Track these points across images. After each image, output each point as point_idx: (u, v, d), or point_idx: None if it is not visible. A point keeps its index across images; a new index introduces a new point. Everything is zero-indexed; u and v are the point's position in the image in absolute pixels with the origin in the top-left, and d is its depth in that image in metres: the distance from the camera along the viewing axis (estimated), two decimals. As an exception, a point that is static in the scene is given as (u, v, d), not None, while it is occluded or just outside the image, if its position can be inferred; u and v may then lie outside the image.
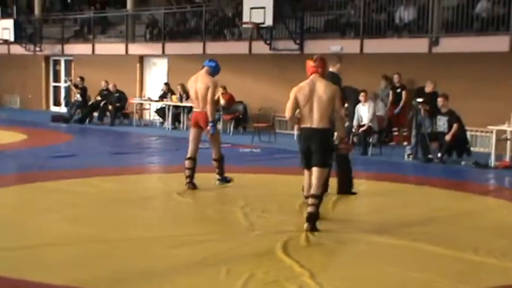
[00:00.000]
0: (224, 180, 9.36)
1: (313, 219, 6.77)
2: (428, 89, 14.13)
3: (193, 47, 20.11)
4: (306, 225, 6.74)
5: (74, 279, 5.07)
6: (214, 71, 9.23)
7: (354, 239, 6.67)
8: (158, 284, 5.06)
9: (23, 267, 5.40)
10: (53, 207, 7.84)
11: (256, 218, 7.38)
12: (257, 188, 9.40)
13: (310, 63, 7.08)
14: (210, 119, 8.95)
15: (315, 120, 6.86)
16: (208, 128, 9.02)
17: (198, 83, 9.13)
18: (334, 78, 7.75)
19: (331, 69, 8.09)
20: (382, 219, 7.31)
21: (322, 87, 6.89)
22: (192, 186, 9.09)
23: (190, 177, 9.15)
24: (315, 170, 6.88)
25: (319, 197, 6.85)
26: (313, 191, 6.82)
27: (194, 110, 9.30)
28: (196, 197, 8.60)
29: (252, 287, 4.97)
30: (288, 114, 7.00)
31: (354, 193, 8.72)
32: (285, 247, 6.05)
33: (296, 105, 6.91)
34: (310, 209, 6.80)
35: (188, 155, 9.25)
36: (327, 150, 6.96)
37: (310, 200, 6.81)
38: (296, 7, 17.91)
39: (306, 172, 7.07)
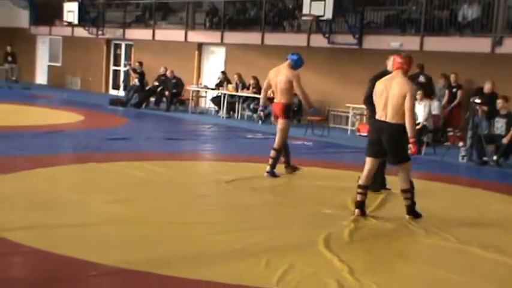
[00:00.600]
0: (272, 174, 9.35)
1: (411, 210, 7.23)
2: (487, 89, 13.81)
3: (252, 37, 20.17)
4: (407, 217, 7.17)
5: (119, 260, 5.19)
6: (296, 65, 9.43)
7: (398, 238, 6.63)
8: (199, 270, 5.12)
9: (72, 244, 5.57)
10: (104, 187, 8.03)
11: (301, 210, 7.39)
12: (304, 180, 9.38)
13: (396, 59, 7.20)
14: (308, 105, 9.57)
15: (388, 114, 7.03)
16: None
17: (279, 75, 9.39)
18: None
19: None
20: (429, 219, 7.20)
21: (397, 85, 7.02)
22: (271, 174, 9.32)
23: (271, 166, 9.37)
24: (399, 167, 7.21)
25: (408, 191, 7.21)
26: (402, 186, 7.22)
27: (274, 101, 9.65)
28: (243, 186, 8.64)
29: (290, 278, 5.00)
30: (365, 105, 7.53)
31: (388, 189, 8.60)
32: (327, 241, 6.05)
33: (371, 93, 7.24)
34: (406, 203, 7.23)
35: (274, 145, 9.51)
36: (400, 146, 7.11)
37: (403, 195, 7.26)
38: (357, 1, 17.74)
39: (367, 161, 7.25)
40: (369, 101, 7.79)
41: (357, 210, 7.21)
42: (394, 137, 7.03)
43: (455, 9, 15.90)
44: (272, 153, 9.43)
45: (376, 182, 8.27)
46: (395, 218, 7.25)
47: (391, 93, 6.99)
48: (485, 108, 12.91)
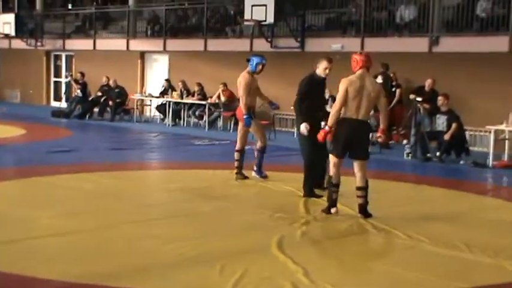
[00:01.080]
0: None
1: (364, 209, 7.30)
2: (427, 86, 14.12)
3: (195, 44, 20.13)
4: (360, 215, 7.26)
5: (67, 274, 5.07)
6: (252, 69, 9.46)
7: (350, 237, 6.69)
8: (151, 280, 5.06)
9: (17, 260, 5.41)
10: (49, 201, 7.86)
11: (252, 215, 7.40)
12: (253, 184, 9.40)
13: (360, 58, 7.30)
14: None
15: (361, 113, 7.18)
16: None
17: None
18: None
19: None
20: (378, 217, 7.30)
21: (370, 84, 7.26)
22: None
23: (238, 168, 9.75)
24: (359, 163, 7.29)
25: (365, 188, 7.30)
26: (360, 183, 7.28)
27: None
28: (192, 193, 8.60)
29: (245, 283, 4.97)
30: (338, 106, 7.20)
31: (320, 196, 8.29)
32: (280, 244, 6.05)
33: (346, 98, 7.15)
34: (360, 201, 7.31)
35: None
36: (368, 143, 7.57)
37: (359, 193, 7.31)
38: (297, 5, 17.91)
39: (337, 161, 7.32)
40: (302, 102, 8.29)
41: (334, 209, 7.37)
42: (367, 134, 7.42)
43: (393, 10, 16.23)
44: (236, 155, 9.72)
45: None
46: (347, 217, 7.33)
47: (365, 93, 7.15)
48: (426, 106, 13.21)
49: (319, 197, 8.21)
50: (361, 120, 7.23)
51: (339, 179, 7.35)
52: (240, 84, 9.42)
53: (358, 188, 7.34)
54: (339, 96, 7.17)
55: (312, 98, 8.38)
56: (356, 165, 7.33)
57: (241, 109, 9.45)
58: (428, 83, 14.09)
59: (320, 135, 7.33)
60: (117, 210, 7.56)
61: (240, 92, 9.45)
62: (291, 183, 9.13)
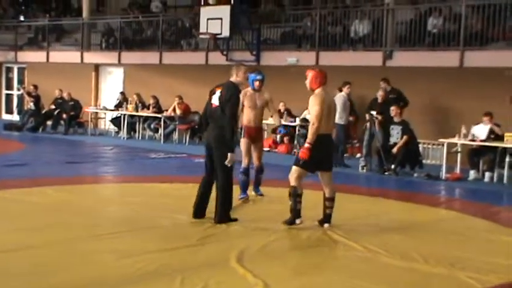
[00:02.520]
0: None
1: (330, 219, 7.54)
2: (380, 98, 14.03)
3: (150, 57, 20.06)
4: (326, 225, 7.47)
5: (23, 289, 4.99)
6: (250, 86, 9.09)
7: (308, 249, 6.73)
8: (110, 295, 5.01)
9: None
10: (2, 216, 7.70)
11: (211, 228, 7.37)
12: (212, 198, 9.36)
13: (322, 74, 7.41)
14: None
15: (330, 128, 7.50)
16: None
17: None
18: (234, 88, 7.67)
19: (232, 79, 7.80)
20: (335, 230, 7.37)
21: (331, 98, 7.67)
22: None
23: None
24: (327, 174, 7.49)
25: (334, 199, 7.54)
26: (332, 194, 7.51)
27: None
28: (150, 207, 8.53)
29: (205, 297, 4.96)
30: (318, 123, 7.16)
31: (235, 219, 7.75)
32: (240, 257, 6.06)
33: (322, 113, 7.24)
34: (329, 211, 7.52)
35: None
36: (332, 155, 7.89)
37: (328, 203, 7.49)
38: (253, 19, 18.03)
39: (303, 174, 7.38)
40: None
41: (299, 220, 7.42)
42: (333, 147, 7.70)
43: (348, 25, 16.48)
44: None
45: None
46: (306, 229, 7.37)
47: (332, 108, 7.44)
48: (379, 117, 13.31)
49: (235, 220, 7.71)
50: (330, 135, 7.53)
51: (301, 188, 7.41)
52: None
53: (329, 199, 7.50)
54: (318, 112, 7.15)
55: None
56: (325, 177, 7.47)
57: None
58: (379, 95, 14.09)
59: (304, 154, 7.21)
60: (73, 224, 7.44)
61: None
62: (253, 195, 9.17)
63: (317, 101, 7.21)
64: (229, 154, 7.30)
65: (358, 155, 14.52)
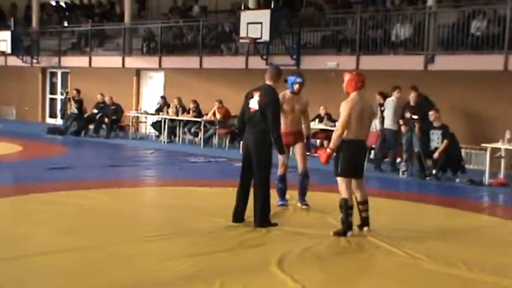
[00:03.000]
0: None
1: (369, 222, 7.49)
2: (412, 101, 13.57)
3: (190, 61, 20.18)
4: (365, 228, 7.44)
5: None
6: (289, 88, 8.84)
7: (348, 254, 6.68)
8: (151, 297, 5.05)
9: (13, 278, 5.40)
10: (46, 218, 7.82)
11: (251, 232, 7.37)
12: (252, 202, 9.36)
13: (359, 78, 7.33)
14: None
15: (363, 134, 7.32)
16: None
17: None
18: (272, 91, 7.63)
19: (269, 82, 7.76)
20: (375, 235, 7.30)
21: (368, 103, 7.44)
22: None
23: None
24: (359, 181, 7.46)
25: (367, 202, 7.52)
26: (365, 197, 7.48)
27: None
28: (191, 210, 8.58)
29: (245, 301, 4.96)
30: (341, 131, 7.17)
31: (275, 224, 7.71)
32: (280, 261, 6.05)
33: (349, 120, 7.16)
34: (365, 214, 7.48)
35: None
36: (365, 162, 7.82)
37: (363, 207, 7.47)
38: (293, 23, 18.01)
39: (347, 182, 7.31)
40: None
41: (350, 232, 7.26)
42: (366, 153, 7.61)
43: (389, 28, 16.33)
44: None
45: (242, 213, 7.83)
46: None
47: (365, 113, 7.27)
48: (419, 123, 13.09)
49: (275, 225, 7.66)
50: (364, 140, 7.40)
51: (352, 200, 7.33)
52: None
53: (362, 203, 7.46)
54: (344, 120, 7.14)
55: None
56: (356, 183, 7.42)
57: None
58: (412, 97, 13.71)
59: (323, 158, 7.23)
60: (114, 227, 7.53)
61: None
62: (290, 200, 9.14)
63: (345, 108, 7.16)
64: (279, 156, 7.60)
65: (398, 159, 14.32)
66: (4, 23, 25.96)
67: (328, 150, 7.24)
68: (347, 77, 7.39)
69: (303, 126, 9.00)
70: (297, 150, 8.97)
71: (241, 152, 7.98)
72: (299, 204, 9.02)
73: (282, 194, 9.06)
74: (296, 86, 8.80)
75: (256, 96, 7.57)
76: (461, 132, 13.27)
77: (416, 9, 16.51)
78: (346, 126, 7.14)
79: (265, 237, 7.18)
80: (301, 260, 6.26)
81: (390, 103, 13.48)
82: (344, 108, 7.18)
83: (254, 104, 7.55)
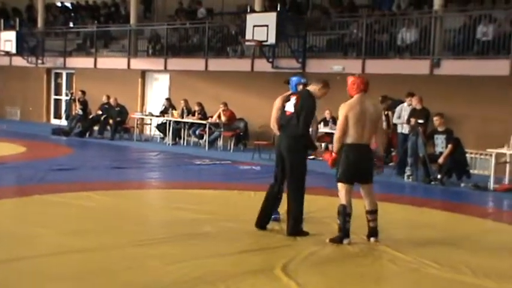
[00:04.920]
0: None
1: (376, 232, 7.26)
2: (417, 105, 13.48)
3: (196, 63, 20.21)
4: (372, 239, 7.23)
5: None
6: (292, 89, 8.48)
7: (352, 260, 6.65)
8: (156, 300, 5.04)
9: (20, 279, 5.40)
10: (50, 220, 7.83)
11: (258, 236, 7.36)
12: (257, 205, 9.35)
13: (361, 80, 7.24)
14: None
15: (365, 137, 7.12)
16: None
17: None
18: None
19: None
20: (381, 240, 7.28)
21: (371, 106, 7.19)
22: None
23: None
24: (366, 186, 7.25)
25: (376, 211, 7.27)
26: (371, 207, 7.24)
27: None
28: (196, 213, 8.57)
29: (249, 305, 4.95)
30: (339, 134, 7.10)
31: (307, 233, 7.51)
32: (285, 266, 6.04)
33: (347, 123, 7.04)
34: (372, 224, 7.27)
35: None
36: (372, 166, 7.37)
37: (370, 216, 7.25)
38: (299, 26, 18.00)
39: (349, 188, 7.16)
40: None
41: (347, 240, 7.11)
42: (372, 157, 7.26)
43: (395, 32, 16.32)
44: None
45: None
46: (353, 241, 7.29)
47: (368, 116, 7.08)
48: (424, 127, 13.06)
49: (307, 234, 7.47)
50: (366, 144, 7.17)
51: (351, 207, 7.18)
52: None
53: (369, 212, 7.26)
54: (340, 123, 7.10)
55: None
56: (364, 189, 7.28)
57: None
58: (414, 101, 13.51)
59: (329, 162, 7.20)
60: (119, 229, 7.53)
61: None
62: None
63: (342, 111, 7.11)
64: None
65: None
66: (9, 23, 26.02)
67: (333, 154, 7.21)
68: (350, 79, 7.36)
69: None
70: None
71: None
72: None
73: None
74: (300, 87, 8.69)
75: (293, 100, 7.54)
76: (466, 137, 13.24)
77: (422, 14, 16.50)
78: (344, 129, 7.07)
79: (270, 242, 7.15)
80: (306, 265, 6.24)
81: (406, 109, 13.49)
82: (340, 111, 7.15)
83: (290, 107, 7.51)
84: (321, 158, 15.51)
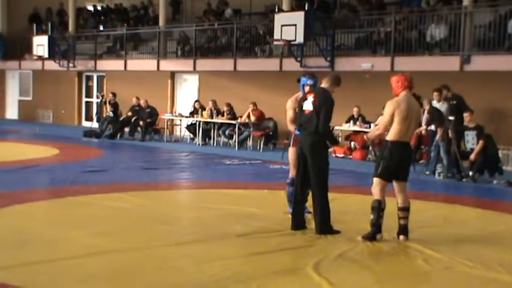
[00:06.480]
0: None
1: (406, 230, 7.22)
2: (439, 101, 13.46)
3: (224, 64, 20.28)
4: (401, 237, 7.17)
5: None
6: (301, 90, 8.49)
7: (385, 258, 6.63)
8: (188, 300, 5.07)
9: (52, 280, 5.48)
10: (84, 221, 7.92)
11: (288, 235, 7.36)
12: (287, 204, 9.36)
13: (405, 78, 7.22)
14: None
15: (409, 135, 7.19)
16: None
17: None
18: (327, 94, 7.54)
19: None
20: (413, 238, 7.23)
21: (415, 104, 7.26)
22: None
23: None
24: (401, 184, 7.22)
25: (408, 209, 7.23)
26: (403, 204, 7.20)
27: None
28: (225, 213, 8.61)
29: (281, 304, 4.96)
30: (382, 131, 7.15)
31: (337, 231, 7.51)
32: (316, 265, 6.03)
33: (392, 122, 7.04)
34: (403, 222, 7.22)
35: None
36: (410, 164, 7.47)
37: (402, 213, 7.21)
38: (327, 25, 17.96)
39: (384, 185, 7.16)
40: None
41: (379, 235, 7.14)
42: (412, 156, 7.19)
43: (423, 29, 16.18)
44: None
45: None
46: (380, 239, 7.26)
47: (413, 114, 7.11)
48: (452, 118, 12.91)
49: (338, 232, 7.47)
50: (408, 142, 7.22)
51: (385, 203, 7.17)
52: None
53: (402, 209, 7.21)
54: (386, 119, 7.09)
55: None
56: (399, 186, 7.22)
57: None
58: (436, 97, 13.51)
59: (359, 142, 7.28)
60: (150, 230, 7.60)
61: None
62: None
63: (388, 109, 7.09)
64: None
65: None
66: (41, 28, 26.40)
67: (365, 137, 7.19)
68: (393, 79, 7.31)
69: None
70: None
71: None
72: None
73: (292, 200, 8.18)
74: (306, 89, 8.48)
75: (311, 98, 7.53)
76: (498, 133, 13.08)
77: (451, 10, 16.34)
78: (388, 126, 7.06)
79: (301, 241, 7.15)
80: (338, 264, 6.23)
81: (443, 107, 13.39)
82: (387, 108, 7.13)
83: (309, 106, 7.49)
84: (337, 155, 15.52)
